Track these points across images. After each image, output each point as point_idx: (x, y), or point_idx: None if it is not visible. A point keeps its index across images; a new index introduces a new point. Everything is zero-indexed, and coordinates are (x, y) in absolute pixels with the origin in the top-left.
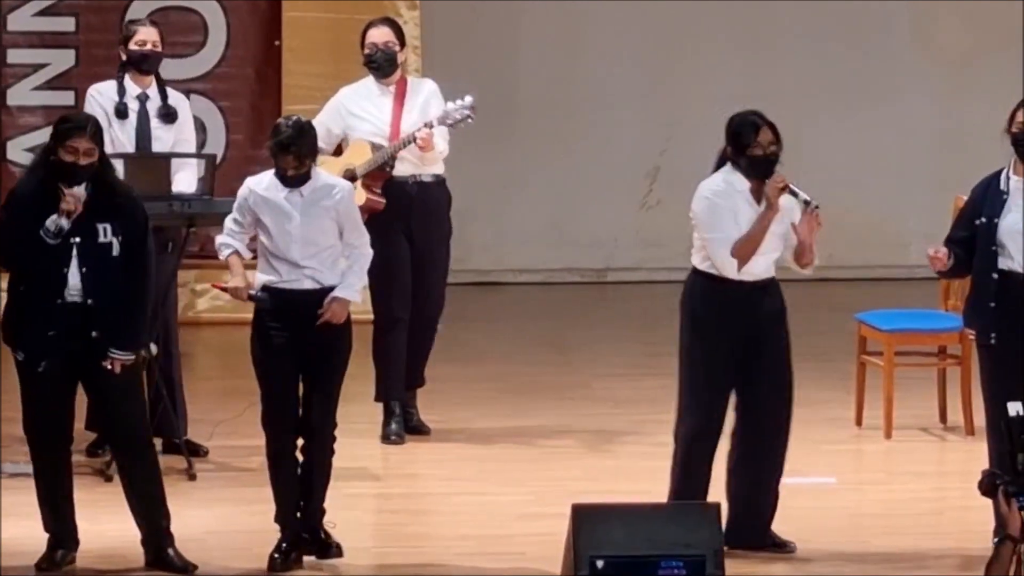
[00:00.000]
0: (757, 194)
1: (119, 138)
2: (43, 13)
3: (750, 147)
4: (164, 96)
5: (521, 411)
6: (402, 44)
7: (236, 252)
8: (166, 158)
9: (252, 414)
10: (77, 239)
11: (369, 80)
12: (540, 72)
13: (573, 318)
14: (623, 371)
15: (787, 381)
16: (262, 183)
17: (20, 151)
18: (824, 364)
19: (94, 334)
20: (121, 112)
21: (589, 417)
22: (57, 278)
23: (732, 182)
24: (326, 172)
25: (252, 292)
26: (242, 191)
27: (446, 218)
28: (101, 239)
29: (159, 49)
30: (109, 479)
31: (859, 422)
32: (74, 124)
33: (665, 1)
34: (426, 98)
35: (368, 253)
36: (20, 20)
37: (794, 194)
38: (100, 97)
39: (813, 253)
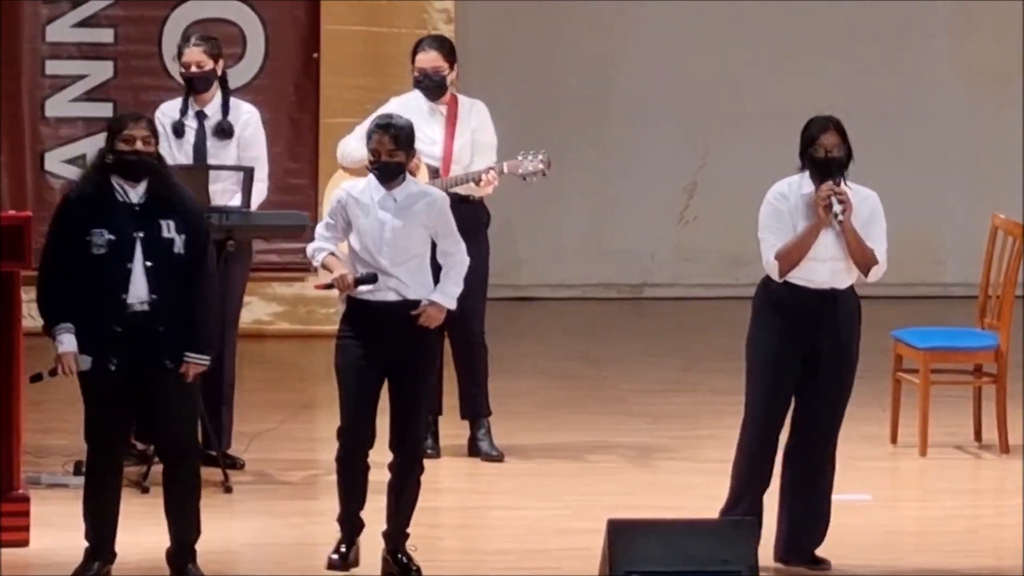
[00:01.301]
0: (819, 203)
1: (177, 156)
2: (82, 24)
3: (812, 147)
4: (225, 110)
5: (558, 426)
6: (452, 64)
7: (331, 253)
8: (203, 170)
9: (289, 427)
10: (141, 234)
11: (419, 94)
12: (578, 86)
13: (610, 333)
14: (659, 386)
15: (841, 404)
16: (357, 186)
17: (58, 162)
18: (859, 381)
19: (160, 329)
20: (178, 130)
21: (625, 432)
22: (122, 274)
23: (800, 184)
24: (419, 180)
25: (356, 276)
26: (336, 193)
27: (484, 237)
28: (164, 234)
29: (204, 69)
30: (146, 490)
31: (894, 439)
32: (128, 116)
33: (704, 15)
34: (477, 126)
35: (465, 260)
36: (59, 31)
37: (828, 208)
38: (163, 117)
39: (864, 256)
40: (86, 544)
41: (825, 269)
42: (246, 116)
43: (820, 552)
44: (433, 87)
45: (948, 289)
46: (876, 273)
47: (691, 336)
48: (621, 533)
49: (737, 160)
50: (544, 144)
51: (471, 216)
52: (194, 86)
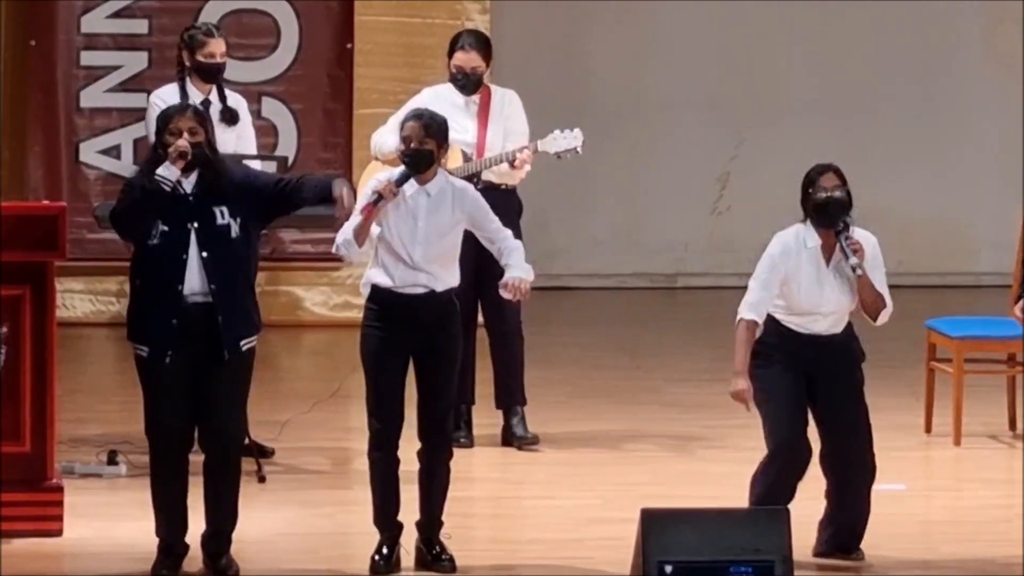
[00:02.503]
0: (827, 251)
1: None
2: (116, 15)
3: (813, 190)
4: (223, 98)
5: (591, 415)
6: (488, 62)
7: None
8: (238, 160)
9: (322, 416)
10: (195, 224)
11: (452, 87)
12: (610, 77)
13: (643, 323)
14: (693, 376)
15: (858, 411)
16: (392, 176)
17: (93, 153)
18: (893, 371)
19: (220, 318)
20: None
21: (659, 422)
22: (176, 265)
23: (804, 237)
24: (453, 162)
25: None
26: (371, 183)
27: (515, 226)
28: (219, 221)
29: (224, 60)
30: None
31: (928, 429)
32: (174, 109)
33: (737, 4)
34: (509, 115)
35: (517, 241)
36: (93, 22)
37: (844, 253)
38: (162, 103)
39: (876, 304)
40: (157, 540)
41: (827, 322)
42: (243, 102)
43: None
44: (470, 85)
45: (981, 278)
46: (884, 316)
47: (724, 326)
48: (654, 522)
49: (770, 150)
50: None
51: (503, 204)
52: (213, 77)
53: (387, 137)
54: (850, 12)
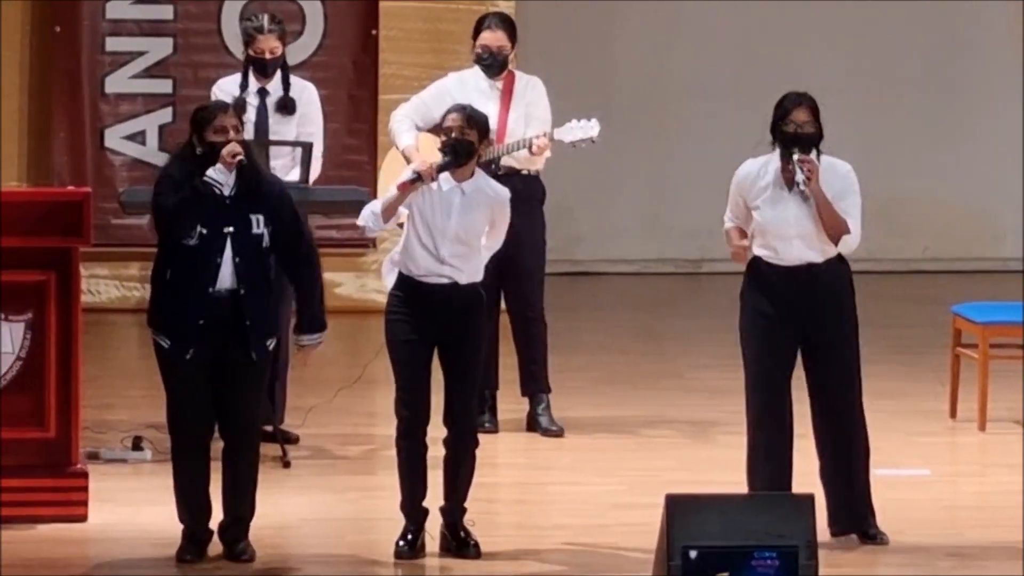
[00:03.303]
0: (788, 174)
1: None
2: (141, 1)
3: (784, 122)
4: (286, 87)
5: (615, 401)
6: (514, 44)
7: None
8: (264, 146)
9: (346, 402)
10: (231, 229)
11: (477, 71)
12: (636, 62)
13: (668, 309)
14: (717, 361)
15: (849, 366)
16: (435, 162)
17: (118, 139)
18: (918, 356)
19: (248, 322)
20: (239, 107)
21: (683, 407)
22: (211, 267)
23: (768, 163)
24: (486, 177)
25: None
26: (414, 164)
27: (539, 212)
28: (255, 230)
29: (278, 55)
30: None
31: (953, 414)
32: (215, 107)
33: None
34: (532, 100)
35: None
36: (119, 8)
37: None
38: (221, 93)
39: (834, 226)
40: (181, 527)
41: (793, 247)
42: (307, 93)
43: (878, 526)
44: (496, 65)
45: (1007, 264)
46: (847, 243)
47: None
48: (679, 508)
49: None
50: (603, 120)
51: (526, 190)
52: (266, 71)
53: (404, 133)
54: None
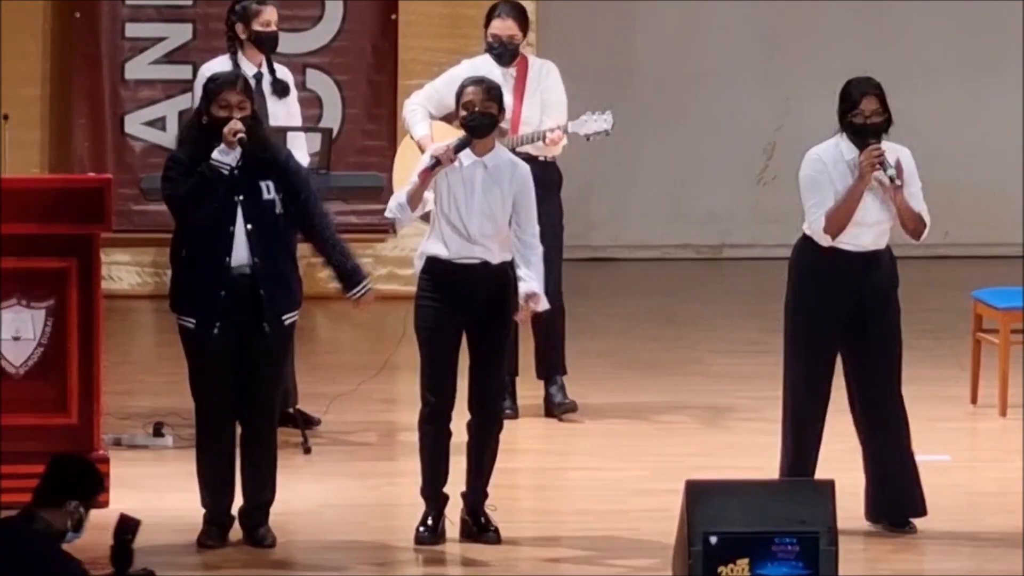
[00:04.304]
0: (863, 167)
1: None
2: None
3: (852, 112)
4: (273, 71)
5: (636, 387)
6: (525, 32)
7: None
8: (282, 131)
9: (368, 388)
10: (241, 197)
11: (489, 58)
12: (656, 47)
13: (689, 294)
14: (738, 347)
15: (895, 354)
16: (451, 143)
17: (138, 125)
18: (939, 342)
19: (261, 292)
20: (250, 80)
21: (704, 393)
22: (224, 238)
23: (842, 149)
24: (506, 150)
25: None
26: (431, 148)
27: (556, 197)
28: (265, 196)
29: (276, 29)
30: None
31: (974, 400)
32: (223, 79)
33: None
34: (547, 86)
35: (541, 251)
36: None
37: (883, 167)
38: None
39: (917, 221)
40: (203, 512)
41: (870, 233)
42: (289, 75)
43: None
44: (507, 54)
45: None
46: (924, 234)
47: (770, 297)
48: (699, 494)
49: (816, 120)
50: (623, 105)
51: (542, 176)
52: (268, 45)
53: (419, 123)
54: None
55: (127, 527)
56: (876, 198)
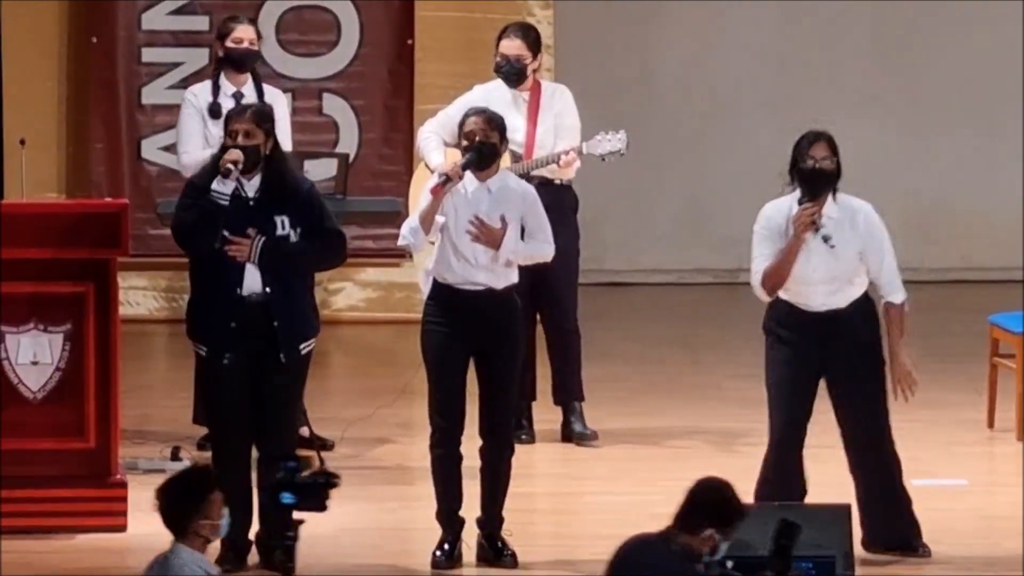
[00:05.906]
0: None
1: (214, 137)
2: (177, 12)
3: (801, 159)
4: (260, 93)
5: (652, 411)
6: (535, 53)
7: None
8: (299, 156)
9: (383, 412)
10: (253, 231)
11: (501, 84)
12: (673, 72)
13: (705, 318)
14: (754, 372)
15: (876, 400)
16: (458, 161)
17: (155, 149)
18: (955, 366)
19: (275, 323)
20: (214, 112)
21: (720, 417)
22: (234, 267)
23: (790, 205)
24: (511, 174)
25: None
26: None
27: (572, 221)
28: (279, 232)
29: (255, 47)
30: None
31: (991, 424)
32: (233, 111)
33: (801, 1)
34: (560, 110)
35: (548, 253)
36: (154, 19)
37: (815, 227)
38: (195, 99)
39: (904, 325)
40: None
41: (818, 292)
42: (280, 97)
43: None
44: (513, 74)
45: None
46: (906, 307)
47: None
48: None
49: None
50: (640, 129)
51: (557, 200)
52: (243, 63)
53: (434, 152)
54: (917, 7)
55: (789, 532)
56: (819, 256)
